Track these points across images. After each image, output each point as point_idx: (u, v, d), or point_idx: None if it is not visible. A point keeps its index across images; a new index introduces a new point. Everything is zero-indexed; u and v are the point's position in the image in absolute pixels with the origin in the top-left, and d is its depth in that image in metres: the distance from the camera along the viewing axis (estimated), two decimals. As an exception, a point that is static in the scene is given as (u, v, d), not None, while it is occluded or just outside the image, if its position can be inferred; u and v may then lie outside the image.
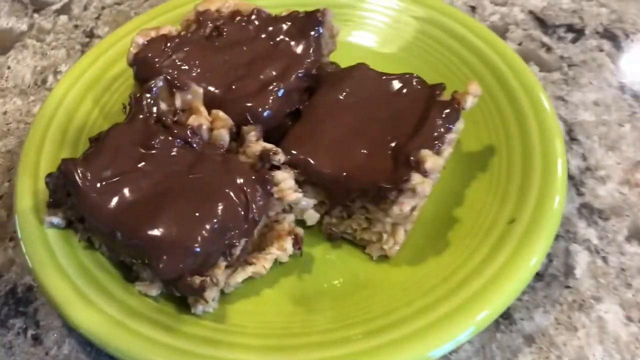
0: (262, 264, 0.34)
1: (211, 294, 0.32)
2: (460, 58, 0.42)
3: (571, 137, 0.42)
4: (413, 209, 0.33)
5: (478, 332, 0.30)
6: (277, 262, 0.34)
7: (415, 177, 0.32)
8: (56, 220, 0.35)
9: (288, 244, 0.34)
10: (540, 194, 0.34)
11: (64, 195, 0.34)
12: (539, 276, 0.36)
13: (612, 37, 0.49)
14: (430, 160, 0.32)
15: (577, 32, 0.49)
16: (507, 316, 0.34)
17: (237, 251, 0.33)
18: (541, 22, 0.50)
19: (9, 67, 0.49)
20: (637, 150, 0.41)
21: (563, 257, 0.37)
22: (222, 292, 0.34)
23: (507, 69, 0.40)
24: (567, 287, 0.35)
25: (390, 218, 0.33)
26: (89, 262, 0.34)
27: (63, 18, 0.53)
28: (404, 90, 0.37)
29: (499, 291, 0.31)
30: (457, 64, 0.42)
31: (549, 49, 0.48)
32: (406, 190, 0.32)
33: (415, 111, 0.36)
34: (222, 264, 0.32)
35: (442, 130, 0.34)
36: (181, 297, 0.33)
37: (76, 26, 0.52)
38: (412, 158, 0.32)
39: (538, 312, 0.34)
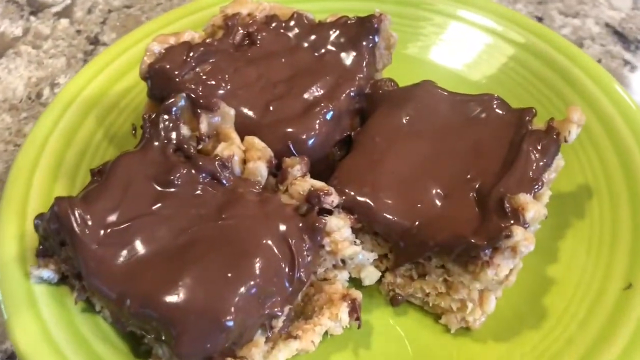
0: (310, 337, 0.26)
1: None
2: (554, 89, 0.35)
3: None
4: (510, 272, 0.25)
5: None
6: (327, 334, 0.27)
7: (518, 232, 0.24)
8: (46, 273, 0.27)
9: (343, 312, 0.26)
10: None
11: (58, 243, 0.26)
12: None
13: None
14: (532, 208, 0.25)
15: (665, 48, 0.42)
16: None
17: (279, 322, 0.25)
18: (621, 36, 0.43)
19: (-2, 79, 0.42)
20: None
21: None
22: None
23: (607, 101, 0.33)
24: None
25: (479, 283, 0.25)
26: (87, 331, 0.27)
27: (64, 22, 0.46)
28: (484, 115, 0.30)
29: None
30: (548, 96, 0.35)
31: (633, 68, 0.41)
32: (505, 249, 0.24)
33: (501, 141, 0.28)
34: (261, 339, 0.25)
35: (539, 167, 0.27)
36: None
37: (79, 31, 0.45)
38: (507, 205, 0.25)
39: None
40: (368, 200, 0.27)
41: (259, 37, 0.33)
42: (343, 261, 0.28)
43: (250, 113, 0.30)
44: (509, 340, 0.27)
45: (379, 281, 0.29)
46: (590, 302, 0.27)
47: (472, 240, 0.25)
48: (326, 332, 0.27)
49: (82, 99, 0.35)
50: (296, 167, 0.28)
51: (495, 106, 0.30)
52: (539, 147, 0.28)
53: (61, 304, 0.27)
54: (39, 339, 0.26)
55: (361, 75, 0.32)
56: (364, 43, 0.33)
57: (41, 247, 0.27)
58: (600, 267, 0.28)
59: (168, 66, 0.31)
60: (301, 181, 0.27)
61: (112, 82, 0.36)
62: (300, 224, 0.26)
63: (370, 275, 0.28)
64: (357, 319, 0.27)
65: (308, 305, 0.27)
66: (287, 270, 0.25)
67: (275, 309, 0.25)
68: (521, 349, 0.26)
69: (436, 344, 0.27)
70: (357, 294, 0.27)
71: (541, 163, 0.27)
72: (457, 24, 0.39)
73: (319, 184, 0.27)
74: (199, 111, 0.29)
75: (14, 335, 0.26)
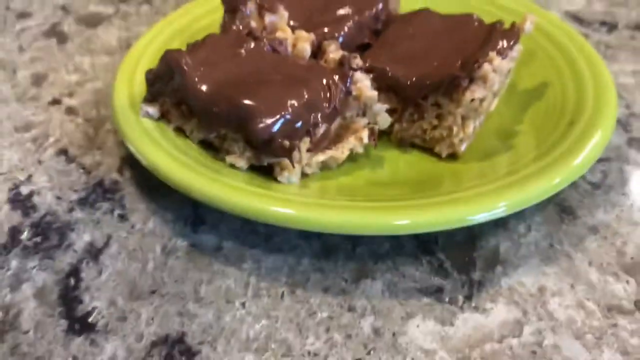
0: (341, 149, 0.36)
1: (297, 155, 0.34)
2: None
3: (615, 92, 0.46)
4: (482, 100, 0.36)
5: (551, 194, 0.33)
6: (352, 156, 0.37)
7: (486, 66, 0.35)
8: (151, 110, 0.38)
9: (364, 134, 0.37)
10: (595, 102, 0.38)
11: (163, 84, 0.37)
12: (596, 186, 0.38)
13: (643, 30, 0.54)
14: (497, 60, 0.36)
15: (611, 26, 0.55)
16: (570, 212, 0.36)
17: (319, 131, 0.36)
18: (579, 20, 0.56)
19: (97, 36, 0.54)
20: (677, 101, 0.45)
21: (617, 173, 0.39)
22: (303, 175, 0.36)
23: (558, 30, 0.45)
24: (624, 194, 0.37)
25: (461, 108, 0.36)
26: (181, 142, 0.37)
27: (145, 7, 0.59)
28: (467, 26, 0.42)
29: (566, 164, 0.33)
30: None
31: (586, 36, 0.53)
32: (477, 79, 0.35)
33: (478, 38, 0.40)
34: (307, 139, 0.35)
35: (505, 46, 0.38)
36: (267, 171, 0.35)
37: (157, 12, 0.58)
38: (479, 60, 0.36)
39: (599, 211, 0.36)
40: (383, 65, 0.38)
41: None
42: (364, 112, 0.38)
43: (297, 23, 0.42)
44: (487, 160, 0.37)
45: (391, 132, 0.39)
46: (546, 135, 0.37)
47: (456, 73, 0.35)
48: (351, 153, 0.37)
49: (169, 30, 0.47)
50: (332, 46, 0.39)
51: (475, 21, 0.42)
52: (505, 37, 0.39)
53: (161, 128, 0.37)
54: (148, 143, 0.35)
55: (379, 6, 0.44)
56: (379, -13, 0.45)
57: (148, 94, 0.38)
58: (553, 117, 0.38)
59: (240, -8, 0.43)
60: (335, 52, 0.39)
61: (193, 20, 0.48)
62: (335, 76, 0.37)
63: (385, 120, 0.38)
64: (374, 140, 0.37)
65: (340, 137, 0.38)
66: (328, 96, 0.36)
67: (318, 120, 0.35)
68: (496, 165, 0.36)
69: (431, 166, 0.37)
70: (375, 126, 0.37)
71: (506, 45, 0.39)
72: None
73: (347, 53, 0.38)
74: (263, 12, 0.41)
75: (131, 140, 0.36)
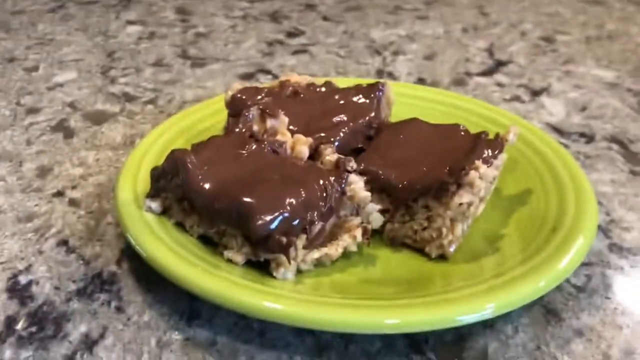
0: (335, 247, 0.38)
1: (294, 252, 0.35)
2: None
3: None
4: (470, 204, 0.38)
5: (538, 296, 0.34)
6: (345, 254, 0.38)
7: (472, 173, 0.37)
8: (154, 205, 0.40)
9: (358, 233, 0.38)
10: (576, 209, 0.40)
11: (167, 181, 0.39)
12: (580, 289, 0.39)
13: (621, 143, 0.57)
14: (483, 167, 0.39)
15: (589, 137, 0.58)
16: (555, 314, 0.37)
17: (315, 229, 0.37)
18: (559, 131, 0.59)
19: (102, 132, 0.57)
20: (654, 210, 0.47)
21: (600, 277, 0.40)
22: (298, 271, 0.37)
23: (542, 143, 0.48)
24: (607, 297, 0.39)
25: (450, 211, 0.38)
26: (181, 237, 0.38)
27: (150, 106, 0.62)
28: (454, 134, 0.44)
29: (552, 268, 0.35)
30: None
31: (566, 146, 0.56)
32: (465, 185, 0.37)
33: (465, 147, 0.43)
34: (303, 236, 0.37)
35: (490, 155, 0.41)
36: (263, 266, 0.36)
37: (161, 112, 0.61)
38: (466, 167, 0.39)
39: (584, 314, 0.37)
40: (376, 169, 0.41)
41: (302, 92, 0.49)
42: (357, 211, 0.40)
43: (296, 128, 0.45)
44: (475, 262, 0.38)
45: (382, 231, 0.41)
46: (530, 239, 0.39)
47: (444, 179, 0.38)
48: (345, 252, 0.38)
49: (174, 130, 0.49)
50: (328, 150, 0.42)
51: (461, 130, 0.45)
52: (490, 147, 0.42)
53: (162, 222, 0.39)
54: (149, 236, 0.37)
55: (371, 114, 0.47)
56: (372, 95, 0.48)
57: (152, 190, 0.40)
58: (536, 223, 0.40)
59: (244, 97, 0.46)
60: (331, 155, 0.41)
61: (196, 122, 0.51)
62: (331, 177, 0.39)
63: (377, 220, 0.40)
64: (367, 238, 0.39)
65: (334, 235, 0.39)
66: (324, 196, 0.38)
67: (314, 219, 0.37)
68: (484, 267, 0.38)
69: (422, 266, 0.39)
70: (368, 225, 0.39)
71: (491, 154, 0.41)
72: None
73: (343, 157, 0.41)
74: (265, 117, 0.44)
75: (132, 233, 0.37)
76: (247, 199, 0.36)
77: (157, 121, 0.59)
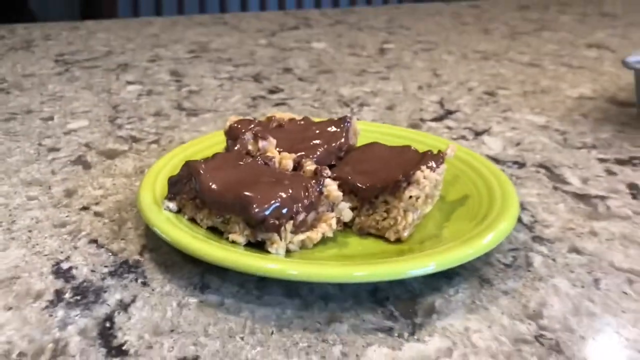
0: (316, 232, 0.48)
1: (284, 233, 0.46)
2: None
3: (522, 208, 0.60)
4: (417, 197, 0.49)
5: (473, 258, 0.45)
6: (323, 240, 0.49)
7: (419, 173, 0.49)
8: (171, 205, 0.50)
9: (333, 222, 0.49)
10: (502, 204, 0.52)
11: (182, 185, 0.50)
12: (508, 265, 0.50)
13: (547, 168, 0.70)
14: (427, 171, 0.50)
15: (521, 164, 0.71)
16: (488, 281, 0.48)
17: (299, 217, 0.48)
18: (496, 160, 0.72)
19: (115, 165, 0.68)
20: (571, 213, 0.59)
21: (524, 258, 0.51)
22: (287, 251, 0.48)
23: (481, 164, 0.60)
24: (529, 271, 0.50)
25: (402, 203, 0.49)
26: (193, 226, 0.49)
27: (154, 145, 0.74)
28: (407, 153, 0.56)
29: (478, 241, 0.46)
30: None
31: (502, 171, 0.69)
32: (413, 182, 0.49)
33: (415, 160, 0.54)
34: (290, 222, 0.47)
35: (433, 164, 0.53)
36: (260, 247, 0.47)
37: (164, 150, 0.72)
38: (414, 170, 0.50)
39: (510, 281, 0.48)
40: (346, 176, 0.52)
41: (285, 124, 0.61)
42: (332, 208, 0.51)
43: (282, 147, 0.56)
44: (423, 243, 0.49)
45: (352, 225, 0.52)
46: (465, 226, 0.50)
47: (398, 179, 0.49)
48: (323, 238, 0.49)
49: (180, 157, 0.61)
50: (308, 162, 0.53)
51: (412, 151, 0.57)
52: (433, 159, 0.54)
53: (178, 218, 0.49)
54: (167, 224, 0.47)
55: (341, 140, 0.59)
56: (342, 125, 0.60)
57: (168, 194, 0.51)
58: (472, 215, 0.52)
59: (240, 126, 0.58)
60: (311, 166, 0.52)
61: (201, 150, 0.62)
62: (312, 180, 0.50)
63: (347, 214, 0.51)
64: (341, 226, 0.49)
65: (314, 225, 0.50)
66: (306, 194, 0.48)
67: (299, 209, 0.48)
68: (430, 246, 0.49)
69: (382, 247, 0.49)
70: (341, 218, 0.50)
71: (434, 165, 0.53)
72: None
73: (320, 167, 0.52)
74: (258, 139, 0.55)
75: (157, 226, 0.47)
76: (247, 193, 0.47)
77: (162, 156, 0.69)
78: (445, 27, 1.53)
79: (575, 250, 0.53)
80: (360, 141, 0.63)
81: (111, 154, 0.71)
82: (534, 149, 0.75)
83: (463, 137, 0.78)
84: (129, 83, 1.00)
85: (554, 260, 0.51)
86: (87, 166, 0.67)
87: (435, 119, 0.85)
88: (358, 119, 0.83)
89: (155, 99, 0.91)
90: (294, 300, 0.45)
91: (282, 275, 0.42)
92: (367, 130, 0.67)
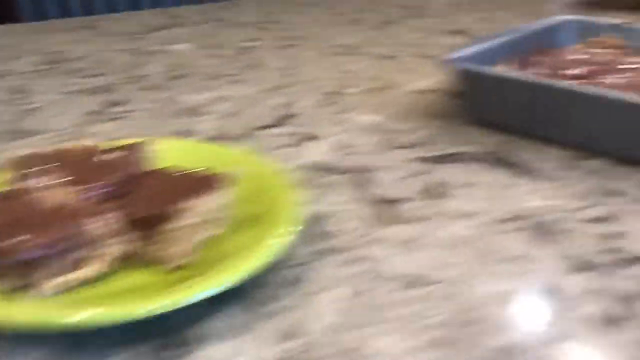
0: (85, 270, 0.49)
1: (42, 276, 0.46)
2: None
3: (318, 218, 0.62)
4: (191, 225, 0.50)
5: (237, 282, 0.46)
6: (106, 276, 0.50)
7: (192, 201, 0.50)
8: None
9: (108, 258, 0.50)
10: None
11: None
12: (280, 285, 0.52)
13: (360, 172, 0.72)
14: (194, 201, 0.52)
15: (334, 170, 0.73)
16: (260, 302, 0.50)
17: (62, 257, 0.48)
18: (310, 167, 0.74)
19: None
20: (368, 220, 0.61)
21: (298, 273, 0.53)
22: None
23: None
24: (301, 287, 0.52)
25: (176, 232, 0.50)
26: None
27: None
28: (189, 179, 0.57)
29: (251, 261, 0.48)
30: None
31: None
32: (184, 210, 0.50)
33: (194, 187, 0.55)
34: (49, 264, 0.47)
35: (208, 192, 0.54)
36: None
37: None
38: (182, 200, 0.51)
39: (283, 300, 0.50)
40: (124, 206, 0.52)
41: (70, 156, 0.61)
42: (104, 243, 0.51)
43: (63, 181, 0.56)
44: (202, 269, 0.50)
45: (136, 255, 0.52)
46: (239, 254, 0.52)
47: (167, 210, 0.50)
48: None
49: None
50: (82, 195, 0.53)
51: (198, 175, 0.58)
52: (212, 181, 0.55)
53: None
54: None
55: (127, 170, 0.59)
56: (130, 154, 0.61)
57: None
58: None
59: (19, 162, 0.57)
60: (84, 199, 0.52)
61: None
62: (82, 216, 0.50)
63: (121, 249, 0.51)
64: (115, 263, 0.50)
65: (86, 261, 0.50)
66: (71, 231, 0.49)
67: (59, 249, 0.48)
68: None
69: (161, 275, 0.51)
70: (116, 252, 0.50)
71: (211, 188, 0.54)
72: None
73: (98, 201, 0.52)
74: (34, 175, 0.55)
75: None
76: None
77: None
78: (318, 19, 1.53)
79: (359, 259, 0.55)
80: (162, 164, 0.63)
81: None
82: (356, 153, 0.77)
83: (289, 145, 0.80)
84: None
85: (333, 270, 0.54)
86: None
87: (270, 126, 0.87)
88: (190, 134, 0.83)
89: (-14, 121, 0.89)
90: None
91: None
92: (172, 149, 0.67)
